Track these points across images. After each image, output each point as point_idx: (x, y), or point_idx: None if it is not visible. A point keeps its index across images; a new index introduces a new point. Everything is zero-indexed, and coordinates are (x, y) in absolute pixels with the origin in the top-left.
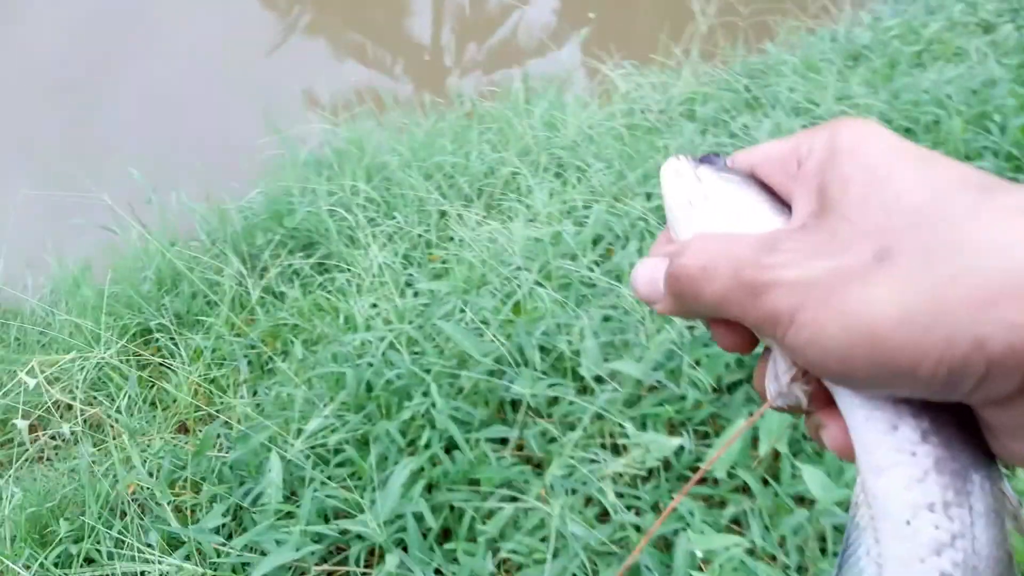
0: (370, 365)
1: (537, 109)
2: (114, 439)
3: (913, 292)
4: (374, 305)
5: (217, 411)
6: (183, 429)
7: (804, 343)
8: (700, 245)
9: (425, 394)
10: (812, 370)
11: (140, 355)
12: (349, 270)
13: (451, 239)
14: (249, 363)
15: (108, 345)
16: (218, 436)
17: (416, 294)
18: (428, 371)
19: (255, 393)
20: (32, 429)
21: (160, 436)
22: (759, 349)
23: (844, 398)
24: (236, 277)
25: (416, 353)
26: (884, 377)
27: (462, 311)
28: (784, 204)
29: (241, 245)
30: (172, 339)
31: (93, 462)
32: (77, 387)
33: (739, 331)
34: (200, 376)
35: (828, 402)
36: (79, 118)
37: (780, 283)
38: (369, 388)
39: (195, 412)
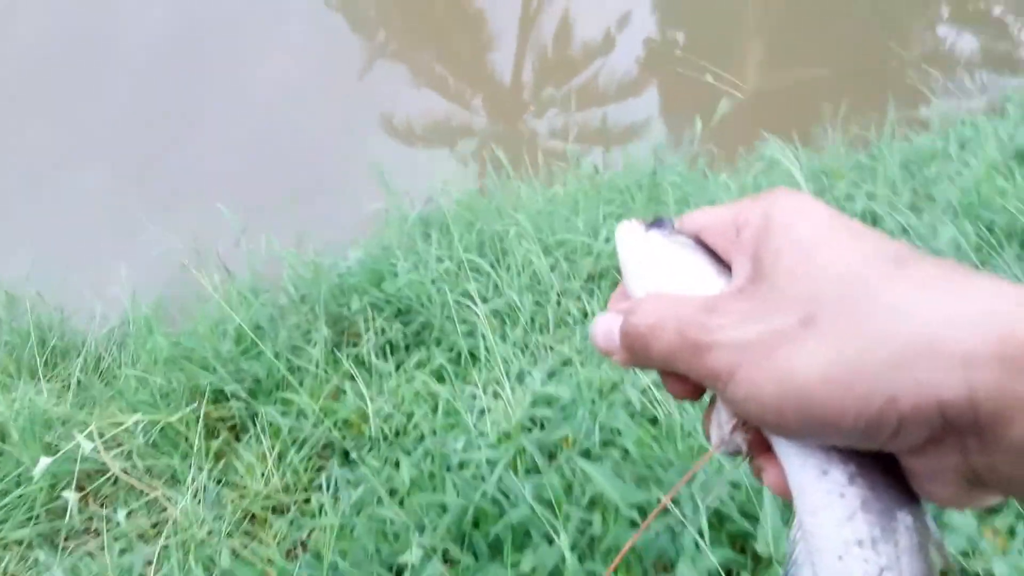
0: (477, 483)
1: (667, 181)
2: (175, 533)
3: (835, 354)
4: (484, 410)
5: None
6: (251, 516)
7: (742, 398)
8: (649, 305)
9: (549, 540)
10: (751, 421)
11: (211, 423)
12: (451, 350)
13: (565, 323)
14: (330, 446)
15: (175, 405)
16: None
17: (534, 402)
18: (550, 502)
19: (335, 488)
20: (79, 487)
21: (226, 531)
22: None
23: (780, 446)
24: (325, 343)
25: (529, 471)
26: (813, 428)
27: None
28: (725, 266)
29: (332, 305)
30: (247, 408)
31: (148, 563)
32: (137, 455)
33: (688, 381)
34: (275, 459)
35: (767, 448)
36: (162, 144)
37: (719, 344)
38: (476, 519)
39: (266, 500)
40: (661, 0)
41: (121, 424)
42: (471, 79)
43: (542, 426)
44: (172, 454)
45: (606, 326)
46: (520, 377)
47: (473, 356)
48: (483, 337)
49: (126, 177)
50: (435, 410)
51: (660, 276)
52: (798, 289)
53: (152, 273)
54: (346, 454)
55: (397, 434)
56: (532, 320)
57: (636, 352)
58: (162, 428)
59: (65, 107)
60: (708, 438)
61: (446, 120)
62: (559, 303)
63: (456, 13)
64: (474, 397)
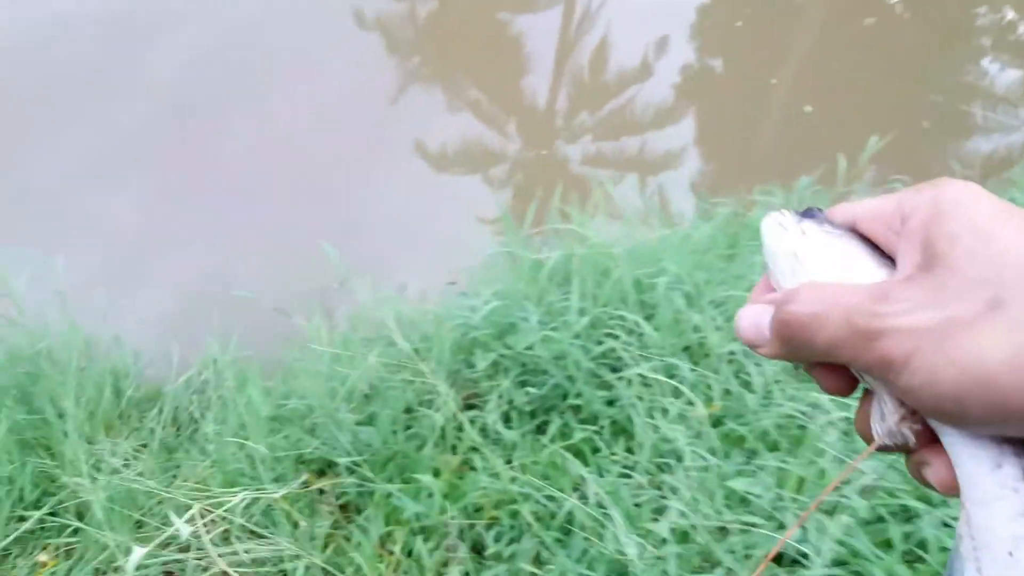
0: None
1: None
2: None
3: (1009, 335)
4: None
5: None
6: None
7: (918, 386)
8: (810, 293)
9: None
10: (924, 411)
11: (317, 499)
12: (594, 421)
13: (729, 393)
14: (460, 535)
15: (279, 478)
16: None
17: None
18: None
19: None
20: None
21: None
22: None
23: (950, 437)
24: (449, 407)
25: None
26: (997, 418)
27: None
28: (886, 258)
29: (452, 362)
30: (361, 483)
31: None
32: (235, 536)
33: (841, 375)
34: (398, 549)
35: (931, 440)
36: (184, 170)
37: (894, 330)
38: None
39: None
40: (700, 26)
41: (222, 503)
42: (505, 104)
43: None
44: (275, 536)
45: (754, 317)
46: (679, 456)
47: (621, 429)
48: (633, 407)
49: (160, 203)
50: (583, 496)
51: (817, 267)
52: (981, 272)
53: (231, 315)
54: (478, 548)
55: (539, 519)
56: (694, 388)
57: (794, 342)
58: (267, 508)
59: (83, 129)
60: (862, 435)
61: (479, 144)
62: (718, 369)
63: (493, 37)
64: (629, 480)
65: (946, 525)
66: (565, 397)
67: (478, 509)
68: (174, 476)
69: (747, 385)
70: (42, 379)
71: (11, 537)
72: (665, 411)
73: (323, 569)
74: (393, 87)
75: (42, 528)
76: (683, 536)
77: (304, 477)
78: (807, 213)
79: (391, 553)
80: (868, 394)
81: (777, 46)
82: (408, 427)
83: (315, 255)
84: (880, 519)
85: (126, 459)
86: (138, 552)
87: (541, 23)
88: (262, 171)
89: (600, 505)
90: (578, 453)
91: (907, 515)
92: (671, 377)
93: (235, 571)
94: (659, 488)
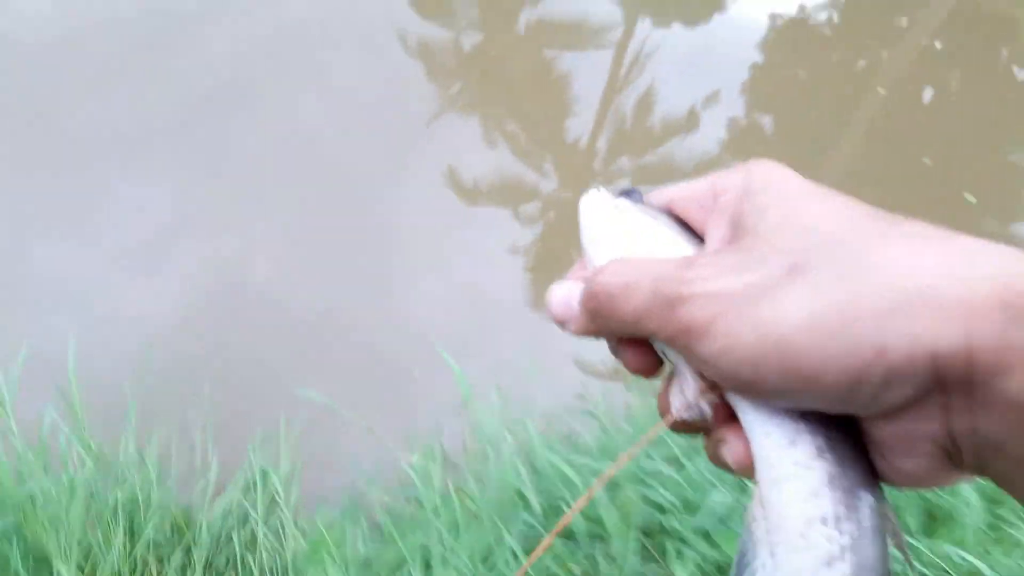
0: None
1: None
2: None
3: (823, 303)
4: None
5: None
6: None
7: (718, 352)
8: (620, 266)
9: None
10: (723, 381)
11: None
12: None
13: None
14: None
15: None
16: None
17: None
18: None
19: None
20: None
21: None
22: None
23: (747, 412)
24: None
25: None
26: (792, 384)
27: None
28: (699, 238)
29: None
30: None
31: None
32: None
33: (648, 352)
34: None
35: (729, 419)
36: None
37: (697, 295)
38: None
39: None
40: (753, 82)
41: None
42: (544, 141)
43: None
44: None
45: (565, 293)
46: None
47: None
48: None
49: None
50: None
51: (629, 244)
52: (785, 240)
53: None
54: None
55: None
56: None
57: (601, 315)
58: None
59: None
60: (664, 410)
61: (515, 180)
62: None
63: (540, 74)
64: None
65: None
66: None
67: None
68: None
69: None
70: (28, 523)
71: None
72: None
73: None
74: (429, 112)
75: None
76: None
77: None
78: (624, 191)
79: None
80: (671, 376)
81: (835, 111)
82: None
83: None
84: None
85: None
86: None
87: (587, 64)
88: (287, 179)
89: None
90: None
91: None
92: None
93: None
94: None
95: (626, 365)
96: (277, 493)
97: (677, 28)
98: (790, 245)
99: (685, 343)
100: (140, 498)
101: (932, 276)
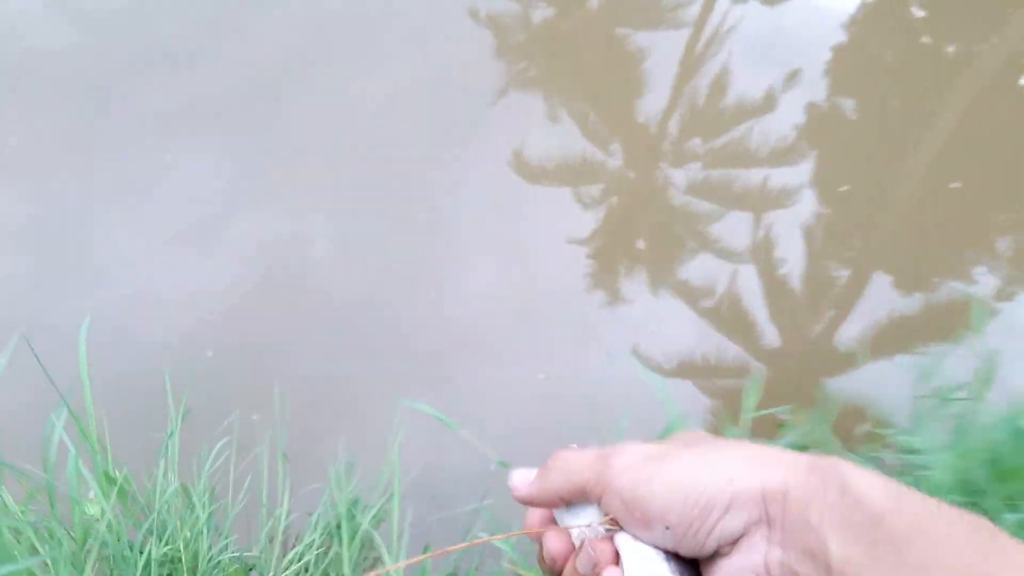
0: None
1: None
2: None
3: (698, 457)
4: None
5: None
6: None
7: (624, 486)
8: (563, 452)
9: None
10: (621, 511)
11: None
12: None
13: None
14: None
15: None
16: None
17: None
18: None
19: None
20: None
21: None
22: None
23: (626, 542)
24: None
25: None
26: (667, 508)
27: None
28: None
29: None
30: None
31: None
32: None
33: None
34: None
35: (612, 555)
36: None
37: (619, 453)
38: None
39: None
40: (836, 64)
41: None
42: (613, 121)
43: None
44: None
45: (523, 473)
46: None
47: None
48: None
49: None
50: None
51: None
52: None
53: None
54: None
55: None
56: None
57: (551, 473)
58: None
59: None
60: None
61: (580, 162)
62: None
63: (611, 51)
64: None
65: None
66: None
67: None
68: None
69: None
70: None
71: None
72: None
73: None
74: (494, 90)
75: None
76: None
77: None
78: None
79: None
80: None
81: (923, 99)
82: None
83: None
84: None
85: None
86: None
87: (660, 42)
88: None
89: None
90: None
91: None
92: None
93: None
94: None
95: (549, 547)
96: (373, 542)
97: (755, 5)
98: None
99: (608, 481)
100: (183, 554)
101: (764, 450)
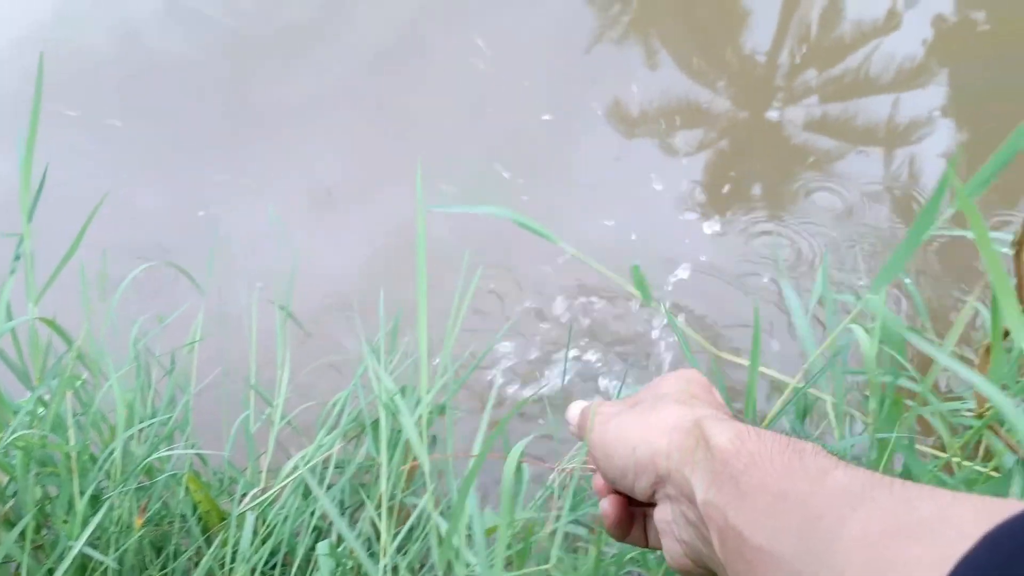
0: None
1: None
2: None
3: (619, 429)
4: None
5: None
6: None
7: (592, 443)
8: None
9: None
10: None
11: None
12: None
13: None
14: None
15: None
16: None
17: None
18: None
19: None
20: None
21: None
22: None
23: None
24: None
25: None
26: (613, 463)
27: None
28: None
29: None
30: None
31: None
32: None
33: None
34: None
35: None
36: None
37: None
38: None
39: None
40: None
41: None
42: (718, 58)
43: None
44: None
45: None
46: None
47: None
48: None
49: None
50: None
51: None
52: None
53: None
54: None
55: None
56: None
57: (572, 426)
58: None
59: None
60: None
61: (686, 101)
62: None
63: None
64: None
65: None
66: None
67: None
68: None
69: None
70: None
71: None
72: None
73: None
74: (590, 35)
75: None
76: None
77: None
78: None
79: None
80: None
81: None
82: None
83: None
84: None
85: None
86: None
87: None
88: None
89: None
90: None
91: None
92: None
93: None
94: None
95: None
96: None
97: None
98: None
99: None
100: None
101: (667, 417)
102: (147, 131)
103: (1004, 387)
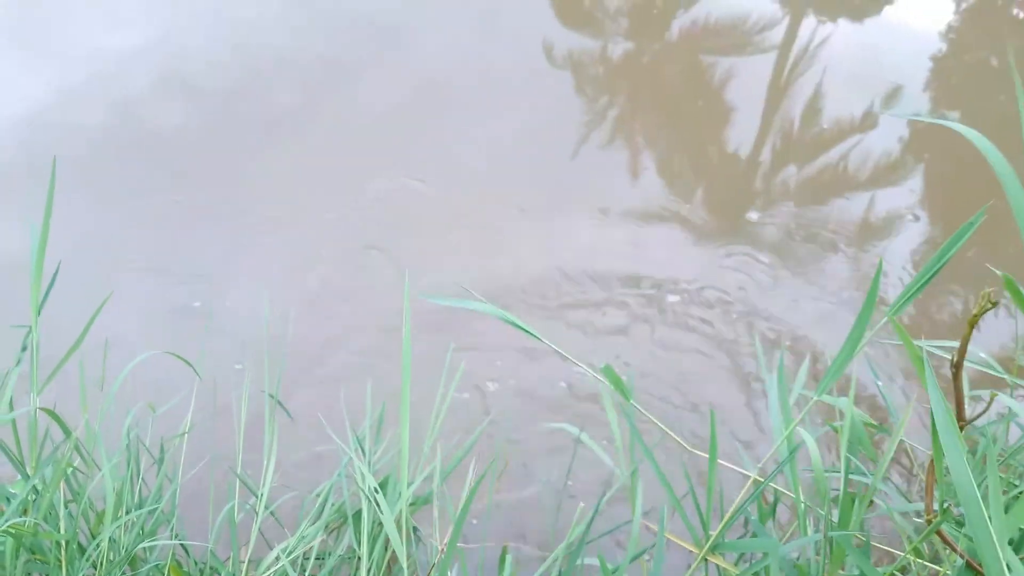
0: None
1: None
2: None
3: None
4: None
5: None
6: None
7: None
8: None
9: None
10: None
11: None
12: None
13: None
14: None
15: None
16: None
17: None
18: None
19: None
20: None
21: None
22: None
23: None
24: None
25: None
26: None
27: None
28: None
29: None
30: None
31: None
32: None
33: None
34: None
35: None
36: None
37: None
38: None
39: None
40: (937, 74)
41: None
42: (696, 164)
43: None
44: None
45: None
46: None
47: None
48: None
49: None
50: None
51: None
52: None
53: None
54: None
55: None
56: None
57: None
58: None
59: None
60: None
61: (661, 209)
62: None
63: (695, 81)
64: None
65: None
66: None
67: None
68: None
69: None
70: None
71: None
72: None
73: None
74: (578, 131)
75: None
76: None
77: None
78: None
79: None
80: None
81: None
82: None
83: None
84: None
85: None
86: None
87: (747, 68)
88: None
89: None
90: None
91: None
92: None
93: None
94: None
95: None
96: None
97: (844, 24)
98: None
99: None
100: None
101: None
102: (137, 213)
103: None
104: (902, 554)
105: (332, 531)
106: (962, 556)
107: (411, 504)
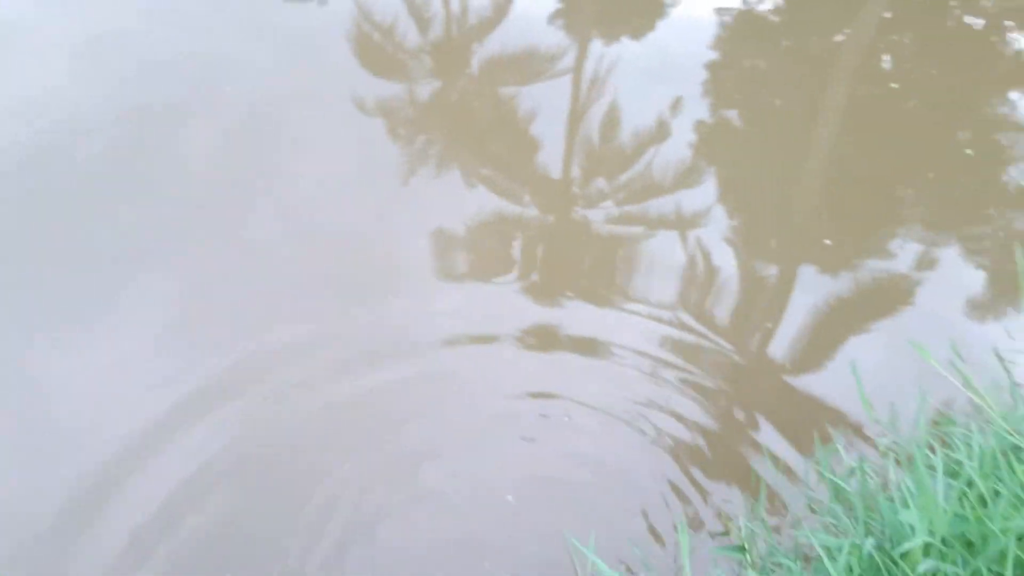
0: None
1: None
2: None
3: None
4: None
5: None
6: None
7: None
8: None
9: None
10: None
11: None
12: None
13: None
14: None
15: None
16: None
17: None
18: None
19: None
20: None
21: None
22: None
23: None
24: None
25: None
26: None
27: None
28: None
29: None
30: None
31: None
32: None
33: None
34: None
35: None
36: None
37: None
38: None
39: None
40: (714, 81)
41: None
42: (520, 178)
43: None
44: None
45: None
46: None
47: None
48: None
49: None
50: None
51: None
52: None
53: None
54: None
55: None
56: None
57: None
58: None
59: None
60: None
61: (498, 217)
62: None
63: (503, 111)
64: None
65: None
66: None
67: None
68: None
69: None
70: None
71: None
72: None
73: None
74: (402, 169)
75: None
76: None
77: None
78: None
79: None
80: None
81: (802, 95)
82: None
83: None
84: None
85: None
86: None
87: (548, 94)
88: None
89: None
90: None
91: None
92: None
93: None
94: None
95: None
96: None
97: (627, 42)
98: None
99: None
100: None
101: None
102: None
103: None
104: None
105: None
106: None
107: None
